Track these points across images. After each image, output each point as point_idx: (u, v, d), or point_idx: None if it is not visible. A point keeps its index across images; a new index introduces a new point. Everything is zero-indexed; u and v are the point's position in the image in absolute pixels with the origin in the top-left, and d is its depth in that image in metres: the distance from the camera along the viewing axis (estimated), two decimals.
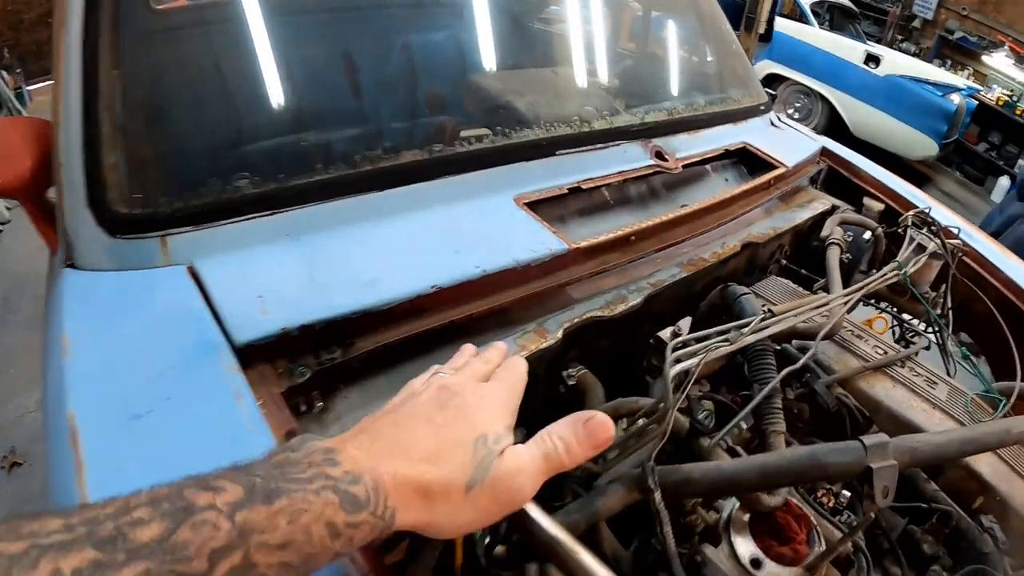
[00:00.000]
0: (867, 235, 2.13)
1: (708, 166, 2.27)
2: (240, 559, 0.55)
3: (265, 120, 1.68)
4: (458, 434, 0.75)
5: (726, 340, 1.14)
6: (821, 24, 10.84)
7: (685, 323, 1.82)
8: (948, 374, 1.69)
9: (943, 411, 1.41)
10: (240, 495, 0.58)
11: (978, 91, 11.04)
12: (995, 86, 12.11)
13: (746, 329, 1.18)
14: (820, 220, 2.23)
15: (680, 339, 1.11)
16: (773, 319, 1.27)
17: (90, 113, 1.33)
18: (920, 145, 9.39)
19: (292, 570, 0.59)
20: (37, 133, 1.43)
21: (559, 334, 1.47)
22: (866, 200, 2.44)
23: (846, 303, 1.47)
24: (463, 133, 1.83)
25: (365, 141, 1.69)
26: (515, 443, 0.79)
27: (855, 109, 10.18)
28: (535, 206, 1.76)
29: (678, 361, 1.04)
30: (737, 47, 3.15)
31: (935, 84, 9.88)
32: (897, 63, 10.12)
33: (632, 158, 2.04)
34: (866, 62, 9.98)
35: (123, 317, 1.16)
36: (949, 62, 13.48)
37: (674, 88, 2.79)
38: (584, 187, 1.90)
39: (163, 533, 0.52)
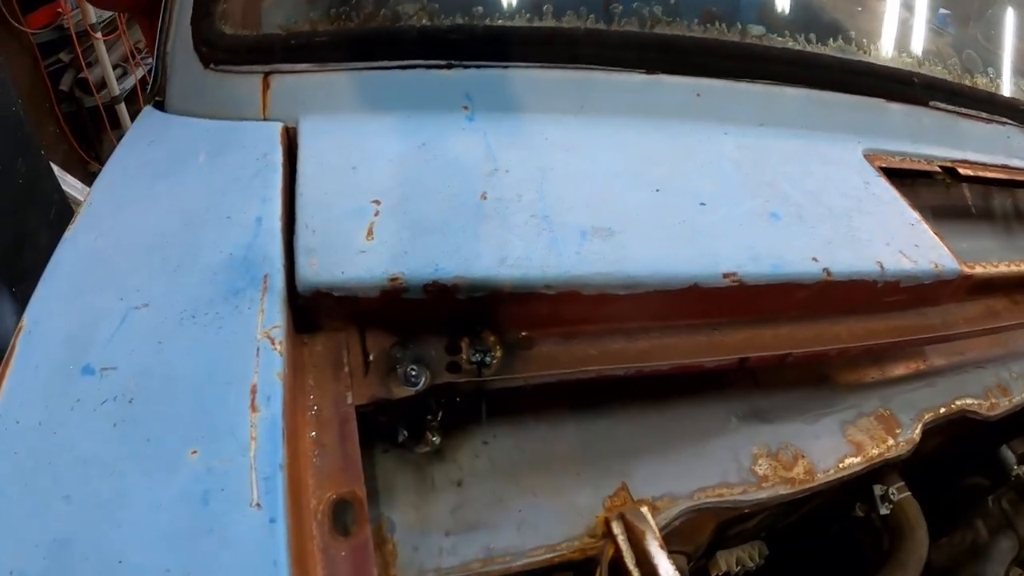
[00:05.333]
0: None
1: None
2: None
3: None
4: None
5: None
6: None
7: None
8: None
9: None
10: None
11: None
12: None
13: None
14: None
15: None
16: None
17: None
18: None
19: None
20: None
21: (917, 432, 0.84)
22: None
23: None
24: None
25: None
26: None
27: None
28: (893, 176, 0.98)
29: None
30: None
31: None
32: None
33: (1015, 150, 1.32)
34: None
35: (157, 187, 0.73)
36: None
37: None
38: (962, 172, 1.12)
39: None
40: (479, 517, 0.64)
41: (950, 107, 1.19)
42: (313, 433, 0.58)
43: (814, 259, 0.72)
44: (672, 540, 0.74)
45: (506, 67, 0.84)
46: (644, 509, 0.61)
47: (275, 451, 0.50)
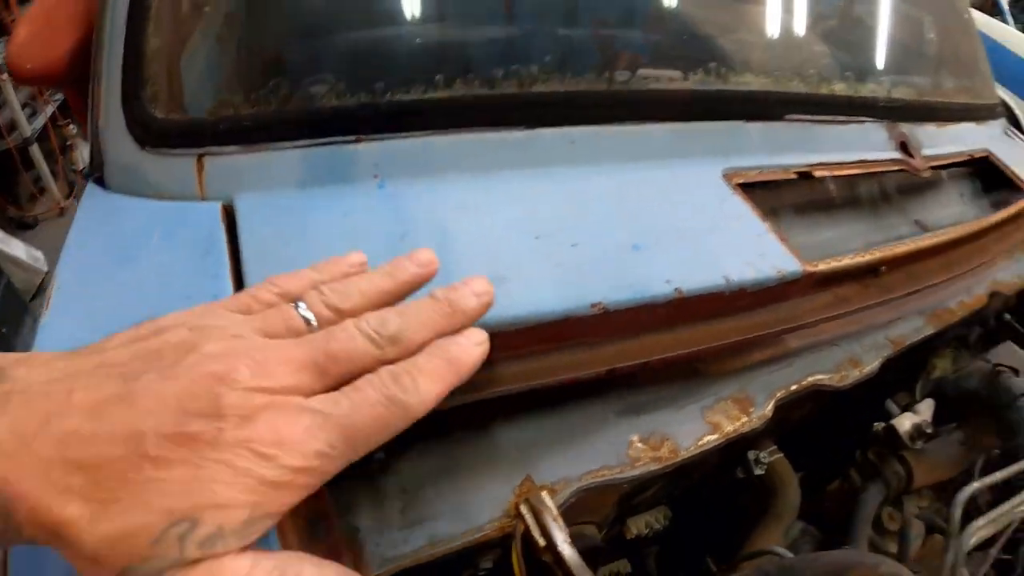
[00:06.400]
0: None
1: (944, 173, 1.74)
2: None
3: (364, 3, 1.20)
4: (169, 486, 0.40)
5: None
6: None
7: (926, 407, 1.27)
8: None
9: None
10: None
11: None
12: None
13: None
14: None
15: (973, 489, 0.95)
16: None
17: None
18: None
19: None
20: (89, 9, 1.09)
21: (769, 408, 0.99)
22: None
23: None
24: (649, 70, 1.27)
25: (508, 50, 1.21)
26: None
27: None
28: (749, 190, 1.14)
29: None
30: (973, 28, 2.35)
31: None
32: None
33: (874, 144, 1.47)
34: None
35: (121, 271, 0.81)
36: None
37: (913, 63, 2.05)
38: (816, 174, 1.28)
39: None
40: (423, 513, 0.78)
41: (805, 116, 1.35)
42: None
43: (667, 281, 0.88)
44: (579, 513, 0.90)
45: (406, 136, 0.97)
46: (544, 493, 0.78)
47: None
